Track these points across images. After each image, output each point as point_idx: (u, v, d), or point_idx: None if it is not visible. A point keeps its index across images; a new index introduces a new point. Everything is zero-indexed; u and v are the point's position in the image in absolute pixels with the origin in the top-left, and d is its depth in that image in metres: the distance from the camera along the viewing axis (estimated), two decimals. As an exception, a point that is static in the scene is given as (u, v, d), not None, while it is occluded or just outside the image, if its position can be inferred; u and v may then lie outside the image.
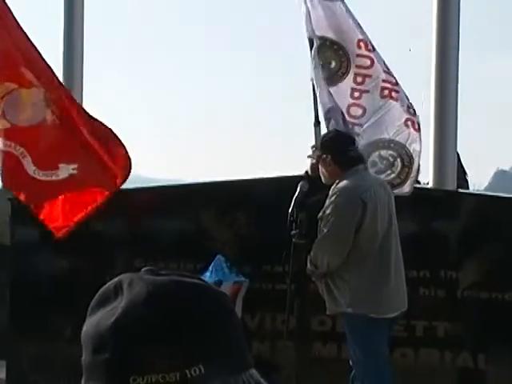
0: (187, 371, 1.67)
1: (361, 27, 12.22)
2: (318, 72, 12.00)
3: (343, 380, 10.24)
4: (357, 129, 11.75)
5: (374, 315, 10.04)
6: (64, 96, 12.38)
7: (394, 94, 11.89)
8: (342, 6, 12.34)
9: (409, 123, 11.68)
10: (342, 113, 11.92)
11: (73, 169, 11.82)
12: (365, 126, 11.80)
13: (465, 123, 12.68)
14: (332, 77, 12.00)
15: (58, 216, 11.79)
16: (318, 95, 11.86)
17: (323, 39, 12.12)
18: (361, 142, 11.50)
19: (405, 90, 12.12)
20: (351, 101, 11.91)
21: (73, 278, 11.19)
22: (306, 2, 12.24)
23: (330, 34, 12.18)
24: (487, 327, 11.14)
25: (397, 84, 12.02)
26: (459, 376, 11.06)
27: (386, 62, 12.11)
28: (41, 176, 11.87)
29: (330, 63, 12.03)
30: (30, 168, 11.88)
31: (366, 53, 12.02)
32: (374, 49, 12.05)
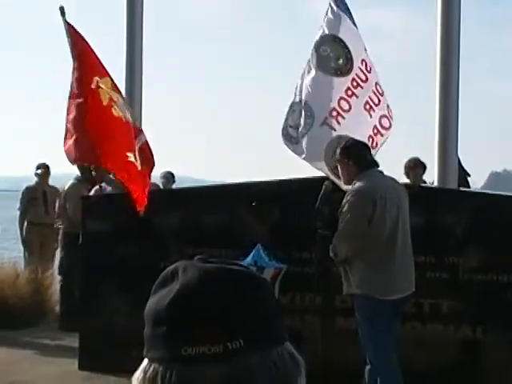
0: (229, 344, 1.73)
1: (365, 48, 12.33)
2: (327, 58, 12.12)
3: (360, 349, 10.33)
4: (340, 119, 11.90)
5: (378, 296, 10.11)
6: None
7: (371, 111, 12.00)
8: (352, 25, 12.46)
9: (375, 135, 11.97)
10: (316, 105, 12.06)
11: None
12: (345, 120, 11.94)
13: (464, 133, 12.72)
14: (340, 69, 12.09)
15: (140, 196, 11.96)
16: (309, 77, 12.03)
17: (339, 39, 12.21)
18: (337, 131, 11.74)
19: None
20: (344, 95, 11.97)
21: (132, 263, 11.27)
22: (332, 6, 12.36)
23: (345, 39, 12.28)
24: (484, 304, 11.18)
25: (378, 105, 12.14)
26: (460, 345, 11.10)
27: (381, 85, 12.24)
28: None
29: (339, 59, 12.08)
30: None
31: (365, 71, 12.12)
32: (370, 71, 12.16)
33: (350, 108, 11.97)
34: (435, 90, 13.07)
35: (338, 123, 11.91)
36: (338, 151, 10.52)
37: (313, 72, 12.02)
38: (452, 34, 13.16)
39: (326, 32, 12.19)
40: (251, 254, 10.80)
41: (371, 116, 12.12)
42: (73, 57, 12.24)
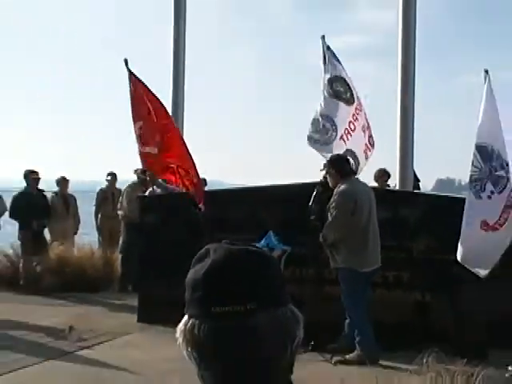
0: (248, 305, 1.75)
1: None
2: (340, 92, 12.31)
3: (342, 308, 10.39)
4: (349, 136, 12.39)
5: (357, 269, 10.20)
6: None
7: (364, 132, 12.31)
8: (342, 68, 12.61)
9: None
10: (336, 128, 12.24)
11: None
12: (352, 138, 12.32)
13: (417, 147, 12.68)
14: (348, 100, 12.27)
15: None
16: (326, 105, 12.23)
17: (344, 79, 12.41)
18: (346, 145, 12.29)
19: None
20: (351, 119, 12.23)
21: (176, 245, 11.32)
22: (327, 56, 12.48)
23: (348, 80, 12.48)
24: (431, 276, 11.21)
25: (368, 127, 12.37)
26: (414, 306, 11.14)
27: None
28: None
29: (346, 93, 12.33)
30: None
31: (359, 101, 12.31)
32: (359, 101, 12.40)
33: (355, 129, 12.21)
34: (397, 118, 13.08)
35: (348, 140, 12.34)
36: (326, 163, 10.77)
37: (334, 100, 12.24)
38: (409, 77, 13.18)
39: (334, 74, 12.35)
40: (264, 238, 10.88)
41: (364, 136, 12.30)
42: (131, 95, 12.37)
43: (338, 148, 12.15)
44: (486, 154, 9.89)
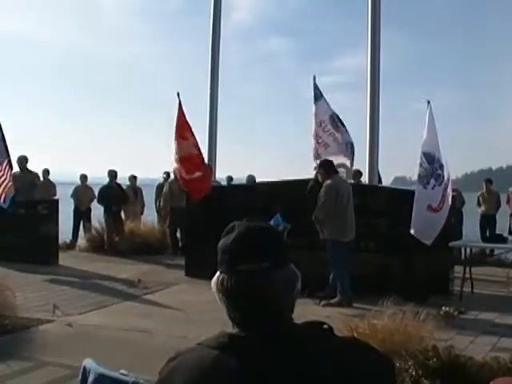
0: (262, 263, 1.75)
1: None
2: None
3: (329, 266, 10.38)
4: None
5: (340, 239, 10.22)
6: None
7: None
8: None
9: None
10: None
11: (198, 174, 12.29)
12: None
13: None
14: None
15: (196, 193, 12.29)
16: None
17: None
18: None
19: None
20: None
21: (210, 222, 11.30)
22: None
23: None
24: (393, 245, 11.18)
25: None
26: (378, 265, 11.09)
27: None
28: (187, 176, 12.36)
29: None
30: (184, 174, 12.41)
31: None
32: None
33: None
34: (367, 133, 13.00)
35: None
36: (318, 164, 10.93)
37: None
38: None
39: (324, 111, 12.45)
40: (273, 218, 10.90)
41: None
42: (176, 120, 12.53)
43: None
44: (429, 158, 10.40)
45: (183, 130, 12.59)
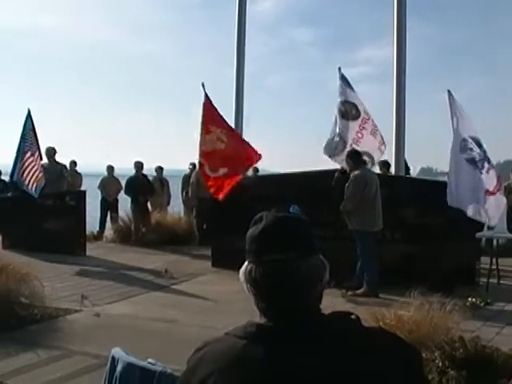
0: (288, 254, 1.76)
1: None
2: (349, 109, 12.13)
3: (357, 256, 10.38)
4: (358, 143, 12.00)
5: (368, 230, 10.21)
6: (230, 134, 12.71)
7: (375, 135, 12.07)
8: (351, 90, 12.40)
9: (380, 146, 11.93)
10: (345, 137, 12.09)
11: (224, 171, 12.21)
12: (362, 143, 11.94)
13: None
14: (353, 116, 12.05)
15: (219, 191, 12.18)
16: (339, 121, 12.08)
17: (351, 102, 12.20)
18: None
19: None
20: (358, 130, 11.98)
21: (238, 214, 11.29)
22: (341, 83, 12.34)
23: (356, 100, 12.26)
24: (416, 235, 11.13)
25: (377, 131, 12.13)
26: (404, 255, 11.01)
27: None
28: (211, 174, 12.27)
29: (352, 110, 12.05)
30: (207, 171, 12.34)
31: (365, 113, 12.11)
32: (366, 112, 12.16)
33: (363, 136, 12.01)
34: (393, 124, 12.93)
35: (358, 146, 11.92)
36: (345, 156, 10.82)
37: (344, 121, 12.07)
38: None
39: (344, 98, 12.18)
40: (290, 209, 10.86)
41: (375, 137, 12.12)
42: (202, 112, 12.43)
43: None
44: (477, 142, 10.42)
45: (209, 122, 12.48)
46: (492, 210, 10.34)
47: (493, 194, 10.33)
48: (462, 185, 10.29)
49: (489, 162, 10.40)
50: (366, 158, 11.70)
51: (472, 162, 10.31)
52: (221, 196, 12.37)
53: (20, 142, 14.30)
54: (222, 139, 12.51)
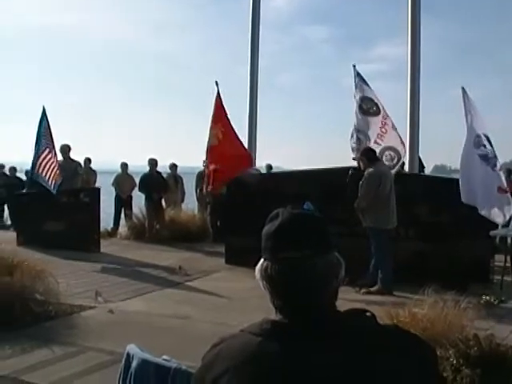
0: (304, 251, 1.75)
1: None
2: (370, 106, 12.12)
3: (370, 253, 10.36)
4: (382, 138, 11.86)
5: (383, 227, 10.19)
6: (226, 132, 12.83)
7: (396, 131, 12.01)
8: (368, 87, 12.37)
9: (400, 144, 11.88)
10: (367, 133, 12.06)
11: (213, 167, 12.46)
12: (385, 138, 11.85)
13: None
14: (375, 112, 12.01)
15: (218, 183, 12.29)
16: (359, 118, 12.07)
17: (370, 98, 12.18)
18: (380, 147, 11.67)
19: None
20: (380, 125, 11.95)
21: (252, 212, 11.27)
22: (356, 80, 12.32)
23: (374, 97, 12.24)
24: (429, 232, 11.10)
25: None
26: (418, 253, 10.98)
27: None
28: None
29: (373, 107, 12.03)
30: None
31: (384, 110, 12.07)
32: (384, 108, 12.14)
33: (387, 131, 12.00)
34: (407, 121, 12.90)
35: (382, 140, 12.02)
36: (359, 153, 10.83)
37: (365, 117, 12.06)
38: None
39: (362, 95, 12.16)
40: (304, 205, 10.85)
41: (397, 132, 12.13)
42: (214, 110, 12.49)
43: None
44: (489, 140, 10.44)
45: (214, 120, 12.65)
46: (503, 208, 10.30)
47: (505, 191, 10.31)
48: (475, 180, 10.28)
49: (497, 160, 10.43)
50: (391, 153, 11.78)
51: (485, 158, 10.31)
52: (209, 188, 12.69)
53: (37, 139, 14.40)
54: (219, 136, 12.69)
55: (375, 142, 11.95)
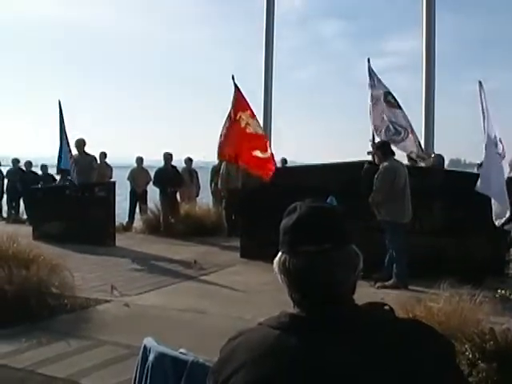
0: (324, 244, 1.75)
1: None
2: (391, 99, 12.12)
3: (385, 247, 10.32)
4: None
5: (399, 221, 10.19)
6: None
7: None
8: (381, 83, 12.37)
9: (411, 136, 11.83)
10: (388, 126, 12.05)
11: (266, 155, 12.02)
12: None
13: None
14: (397, 105, 12.04)
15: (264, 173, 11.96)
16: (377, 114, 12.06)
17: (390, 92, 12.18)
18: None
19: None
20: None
21: (268, 205, 11.24)
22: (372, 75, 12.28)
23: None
24: (444, 225, 11.07)
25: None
26: (433, 247, 10.94)
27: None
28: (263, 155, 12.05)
29: (393, 99, 12.08)
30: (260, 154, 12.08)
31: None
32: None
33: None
34: (422, 116, 12.85)
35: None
36: (374, 147, 10.86)
37: (393, 110, 12.05)
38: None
39: (383, 90, 12.15)
40: (328, 200, 10.84)
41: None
42: (232, 102, 12.24)
43: (410, 143, 12.08)
44: (497, 138, 10.21)
45: (246, 111, 12.43)
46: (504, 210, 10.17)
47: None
48: (495, 176, 10.20)
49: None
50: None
51: (500, 156, 10.26)
52: (266, 176, 12.20)
53: (61, 132, 14.59)
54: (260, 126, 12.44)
55: (412, 132, 11.99)
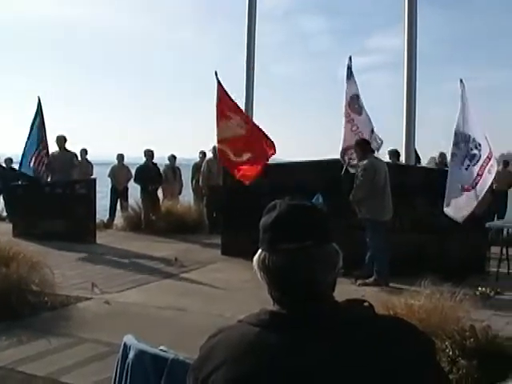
0: (301, 242, 1.73)
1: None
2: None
3: (366, 244, 10.35)
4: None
5: (379, 219, 10.20)
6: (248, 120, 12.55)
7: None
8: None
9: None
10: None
11: (247, 156, 11.97)
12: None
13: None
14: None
15: (245, 175, 11.94)
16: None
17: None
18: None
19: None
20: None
21: (248, 203, 11.23)
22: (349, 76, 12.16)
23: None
24: (425, 223, 11.11)
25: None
26: (413, 244, 10.97)
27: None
28: (235, 159, 12.03)
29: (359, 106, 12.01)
30: (232, 157, 12.06)
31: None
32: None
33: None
34: (403, 114, 12.87)
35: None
36: (354, 144, 10.80)
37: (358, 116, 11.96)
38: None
39: (355, 91, 12.05)
40: (314, 198, 10.84)
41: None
42: (217, 100, 12.19)
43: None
44: (465, 137, 10.08)
45: (226, 109, 12.31)
46: (460, 208, 10.09)
47: (467, 190, 10.14)
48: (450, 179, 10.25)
49: (472, 158, 10.11)
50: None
51: (452, 156, 10.28)
52: (248, 181, 12.11)
53: (34, 130, 14.48)
54: (242, 125, 12.33)
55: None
